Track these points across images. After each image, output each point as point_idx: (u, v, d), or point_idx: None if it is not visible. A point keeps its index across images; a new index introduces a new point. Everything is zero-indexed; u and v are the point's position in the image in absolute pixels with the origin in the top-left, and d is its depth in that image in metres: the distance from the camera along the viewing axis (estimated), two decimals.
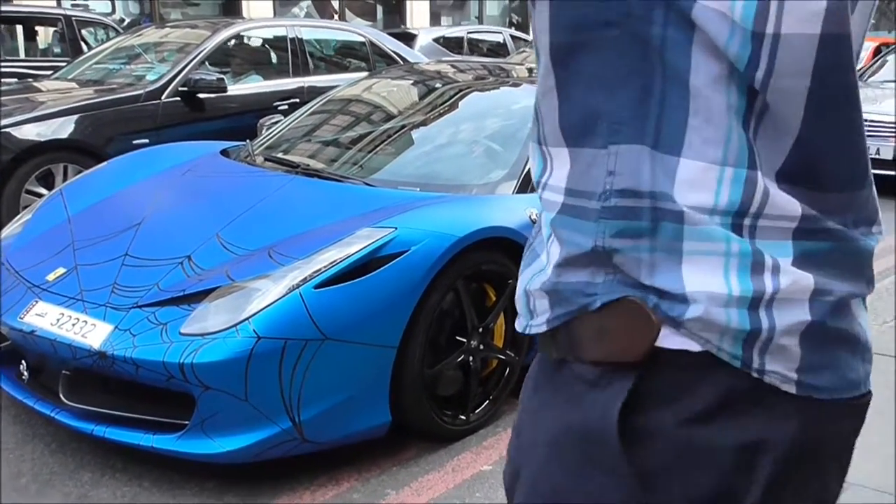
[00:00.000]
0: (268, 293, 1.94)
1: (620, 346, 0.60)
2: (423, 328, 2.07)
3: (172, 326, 1.95)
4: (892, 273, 3.61)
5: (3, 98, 4.09)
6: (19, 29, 7.67)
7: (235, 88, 4.66)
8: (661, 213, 0.58)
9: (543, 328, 0.66)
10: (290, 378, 1.89)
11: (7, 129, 3.78)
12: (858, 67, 0.61)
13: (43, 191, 3.79)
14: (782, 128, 0.57)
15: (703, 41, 0.55)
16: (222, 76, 4.49)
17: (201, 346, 1.87)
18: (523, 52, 9.01)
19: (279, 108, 4.58)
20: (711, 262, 0.58)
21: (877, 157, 5.30)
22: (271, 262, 2.08)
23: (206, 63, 4.56)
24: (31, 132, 3.85)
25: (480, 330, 2.26)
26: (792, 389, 0.58)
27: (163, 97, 4.28)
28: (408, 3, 13.74)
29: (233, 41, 4.91)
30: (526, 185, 2.52)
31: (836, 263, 0.59)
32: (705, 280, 0.57)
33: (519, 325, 0.69)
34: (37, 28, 7.64)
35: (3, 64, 6.29)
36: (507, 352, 2.36)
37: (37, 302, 2.15)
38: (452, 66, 3.70)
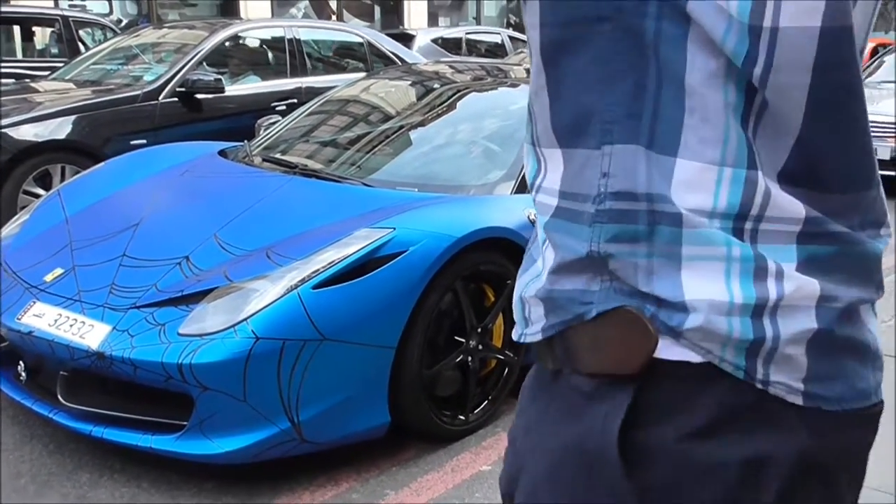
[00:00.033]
0: (266, 294, 1.94)
1: (617, 359, 0.58)
2: (421, 328, 2.07)
3: (171, 327, 1.95)
4: (893, 272, 3.62)
5: (0, 98, 4.09)
6: (16, 29, 7.66)
7: (233, 89, 4.66)
8: (658, 216, 0.55)
9: (538, 337, 0.63)
10: (288, 378, 1.89)
11: (4, 130, 3.78)
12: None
13: (40, 191, 3.79)
14: (783, 126, 0.54)
15: (698, 36, 0.53)
16: (220, 77, 4.49)
17: (199, 346, 1.87)
18: (521, 52, 9.01)
19: (277, 108, 4.58)
20: (712, 268, 0.55)
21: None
22: (269, 262, 2.08)
23: (204, 64, 4.56)
24: (28, 133, 3.85)
25: (479, 330, 2.26)
26: (798, 401, 0.56)
27: (160, 98, 4.28)
28: (405, 4, 13.75)
29: (230, 42, 4.91)
30: (524, 186, 2.52)
31: (842, 268, 0.56)
32: (706, 287, 0.55)
33: (515, 334, 0.67)
34: (34, 28, 7.63)
35: (0, 64, 6.28)
36: (506, 352, 2.36)
37: (34, 302, 2.14)
38: (450, 67, 3.71)
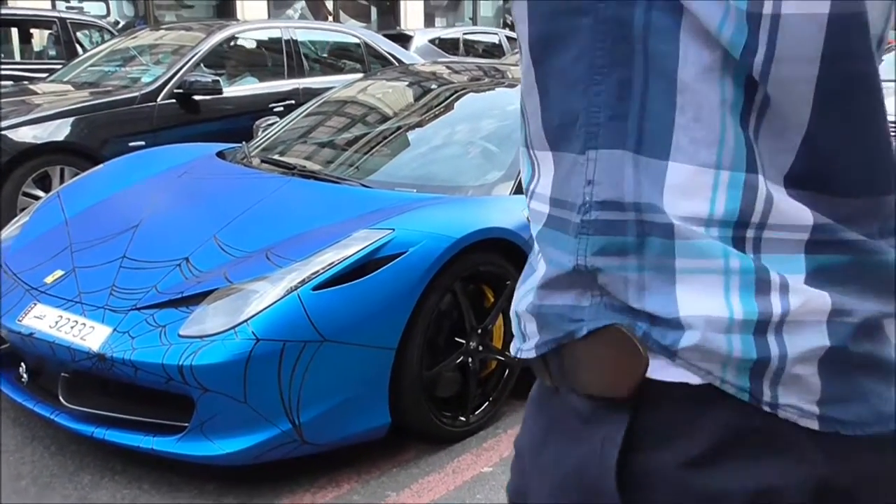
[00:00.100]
0: (266, 295, 1.95)
1: (608, 381, 0.54)
2: (421, 330, 2.08)
3: (171, 328, 1.95)
4: None
5: None
6: (14, 32, 7.65)
7: (231, 90, 4.66)
8: (648, 226, 0.51)
9: (532, 354, 0.60)
10: (289, 380, 1.89)
11: (3, 132, 3.78)
12: None
13: (40, 193, 3.79)
14: (788, 124, 0.49)
15: (692, 26, 0.48)
16: (217, 78, 4.49)
17: (200, 348, 1.87)
18: (517, 52, 9.01)
19: (274, 109, 4.58)
20: (709, 282, 0.51)
21: None
22: (269, 263, 2.08)
23: (202, 65, 4.56)
24: (27, 134, 3.85)
25: (479, 331, 2.27)
26: (814, 425, 0.51)
27: (158, 99, 4.28)
28: (402, 4, 13.75)
29: (228, 43, 4.91)
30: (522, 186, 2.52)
31: (857, 279, 0.51)
32: (702, 302, 0.51)
33: (513, 348, 0.64)
34: (32, 31, 7.62)
35: None
36: (506, 353, 2.36)
37: (35, 304, 2.15)
38: (448, 68, 3.71)
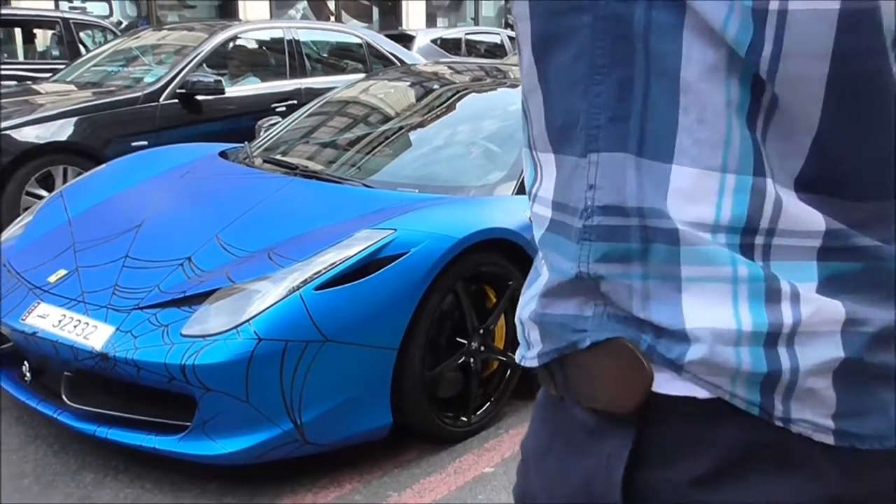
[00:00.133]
0: (268, 295, 1.95)
1: (612, 396, 0.53)
2: (423, 330, 2.08)
3: (173, 328, 1.96)
4: None
5: (2, 101, 4.10)
6: (18, 32, 7.67)
7: (233, 90, 4.67)
8: (652, 232, 0.49)
9: (535, 363, 0.59)
10: (291, 380, 1.90)
11: (6, 132, 3.79)
12: None
13: (43, 192, 3.80)
14: (797, 125, 0.47)
15: (695, 24, 0.46)
16: (220, 78, 4.50)
17: (202, 347, 1.88)
18: (518, 52, 9.00)
19: (277, 109, 4.59)
20: (716, 291, 0.49)
21: None
22: (271, 263, 2.08)
23: (204, 65, 4.57)
24: (30, 134, 3.86)
25: (481, 331, 2.27)
26: (828, 440, 0.49)
27: (161, 99, 4.29)
28: (404, 5, 13.76)
29: (230, 43, 4.91)
30: (525, 187, 2.52)
31: (871, 287, 0.49)
32: (709, 313, 0.49)
33: (517, 355, 0.63)
34: (35, 31, 7.64)
35: (2, 66, 6.29)
36: (508, 353, 2.37)
37: (38, 303, 2.15)
38: (449, 68, 3.72)
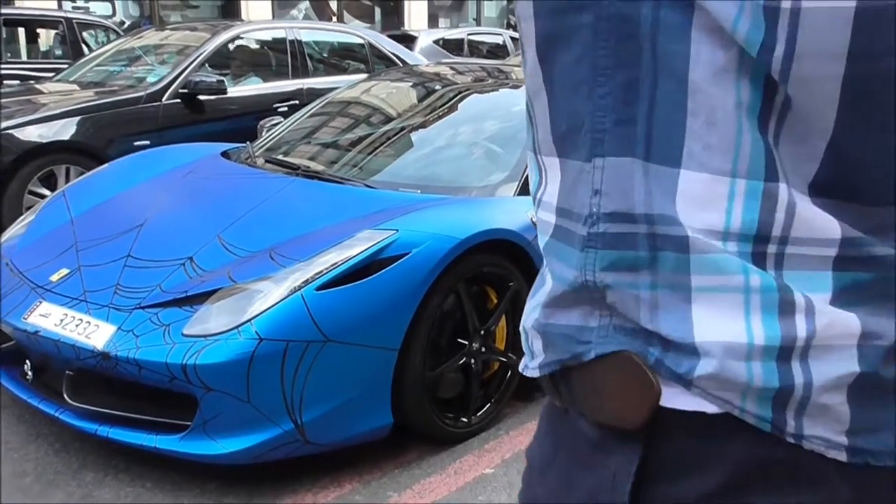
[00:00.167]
0: (269, 295, 1.96)
1: (617, 411, 0.51)
2: (424, 330, 2.08)
3: (175, 328, 1.96)
4: None
5: (5, 100, 4.11)
6: (21, 31, 7.69)
7: (235, 90, 4.68)
8: (661, 239, 0.48)
9: (537, 373, 0.58)
10: (291, 380, 1.90)
11: (9, 131, 3.80)
12: None
13: (45, 192, 3.81)
14: (811, 127, 0.45)
15: (704, 23, 0.45)
16: (222, 78, 4.51)
17: (204, 347, 1.88)
18: (521, 53, 9.00)
19: (279, 109, 4.60)
20: (727, 302, 0.47)
21: None
22: (273, 263, 2.09)
23: (206, 65, 4.58)
24: (33, 134, 3.87)
25: (482, 332, 2.27)
26: (841, 456, 0.47)
27: (163, 99, 4.30)
28: (406, 5, 13.77)
29: (232, 43, 4.92)
30: (527, 188, 2.53)
31: (886, 298, 0.47)
32: (720, 326, 0.47)
33: (521, 364, 0.61)
34: (38, 30, 7.66)
35: (5, 66, 6.30)
36: (509, 354, 2.37)
37: (40, 302, 2.16)
38: (451, 68, 3.72)
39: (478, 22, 15.07)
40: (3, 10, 6.78)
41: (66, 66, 5.52)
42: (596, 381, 0.52)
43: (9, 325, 2.15)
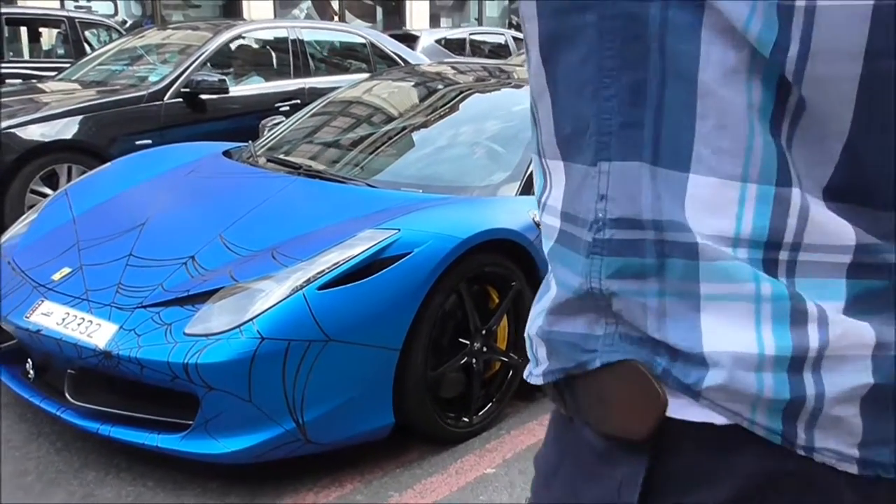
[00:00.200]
0: (271, 294, 1.96)
1: (623, 421, 0.50)
2: (426, 330, 2.08)
3: (177, 327, 1.96)
4: None
5: (7, 99, 4.11)
6: (23, 30, 7.70)
7: (237, 90, 4.68)
8: (669, 246, 0.47)
9: (541, 381, 0.57)
10: (293, 379, 1.90)
11: (12, 130, 3.80)
12: None
13: (47, 191, 3.81)
14: (826, 130, 0.44)
15: (715, 22, 0.43)
16: (224, 77, 4.51)
17: (205, 346, 1.88)
18: (523, 53, 9.00)
19: (280, 109, 4.60)
20: (738, 311, 0.46)
21: None
22: (275, 263, 2.09)
23: (208, 64, 4.58)
24: (35, 132, 3.87)
25: (483, 332, 2.27)
26: (853, 469, 0.46)
27: (165, 98, 4.30)
28: (407, 5, 13.77)
29: (234, 43, 4.92)
30: (529, 188, 2.53)
31: None
32: (730, 335, 0.46)
33: (525, 372, 0.61)
34: (41, 29, 7.68)
35: (7, 65, 6.31)
36: (511, 354, 2.37)
37: (42, 301, 2.16)
38: (453, 68, 3.72)
39: (479, 22, 15.06)
40: (6, 9, 6.79)
41: (68, 65, 5.53)
42: (601, 390, 0.51)
43: (11, 324, 2.15)
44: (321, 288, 1.95)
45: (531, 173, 2.56)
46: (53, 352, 2.07)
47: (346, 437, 2.04)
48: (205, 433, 1.90)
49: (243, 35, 5.05)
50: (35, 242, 2.48)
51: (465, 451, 2.22)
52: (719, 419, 0.47)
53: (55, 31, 7.40)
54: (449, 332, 2.21)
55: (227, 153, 3.05)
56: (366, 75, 4.24)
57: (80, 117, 4.01)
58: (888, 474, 0.46)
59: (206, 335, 1.91)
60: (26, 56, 7.64)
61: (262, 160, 2.91)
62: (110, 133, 4.07)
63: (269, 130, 3.36)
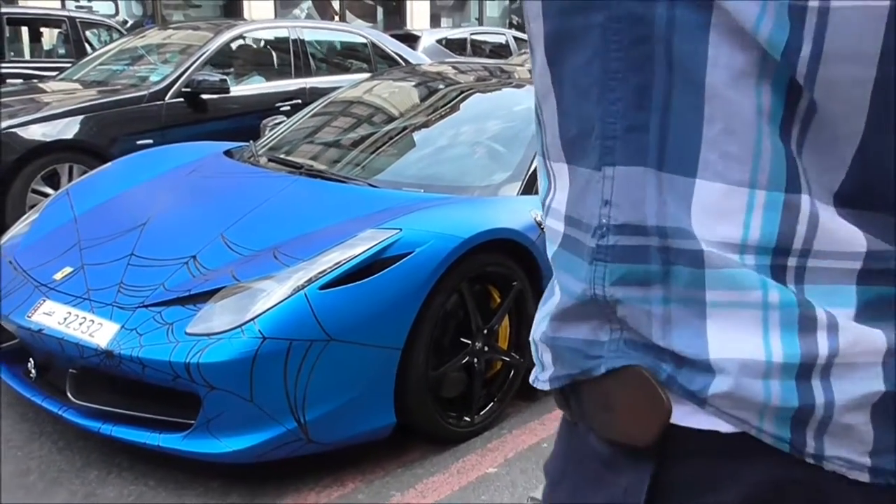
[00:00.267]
0: (273, 294, 1.96)
1: (627, 428, 0.50)
2: (427, 330, 2.08)
3: (178, 326, 1.96)
4: None
5: (9, 99, 4.12)
6: (24, 30, 7.71)
7: (238, 89, 4.68)
8: (674, 253, 0.46)
9: (547, 387, 0.56)
10: (295, 379, 1.90)
11: (13, 130, 3.80)
12: None
13: (49, 190, 3.81)
14: (839, 134, 0.43)
15: (724, 23, 0.42)
16: (225, 77, 4.51)
17: (207, 346, 1.88)
18: (524, 53, 9.01)
19: (281, 108, 4.60)
20: (744, 318, 0.45)
21: None
22: (276, 262, 2.09)
23: (209, 64, 4.58)
24: (36, 132, 3.87)
25: (485, 332, 2.27)
26: (864, 477, 0.45)
27: (166, 98, 4.30)
28: (408, 4, 13.77)
29: (235, 43, 4.93)
30: (530, 187, 2.53)
31: None
32: (737, 342, 0.45)
33: (531, 376, 0.60)
34: (42, 29, 7.68)
35: (8, 65, 6.31)
36: (512, 354, 2.37)
37: (44, 301, 2.16)
38: (454, 68, 3.72)
39: (480, 22, 15.06)
40: (7, 9, 6.80)
41: (69, 64, 5.53)
42: (605, 396, 0.51)
43: (12, 324, 2.15)
44: (323, 287, 1.95)
45: (533, 173, 2.56)
46: (55, 351, 2.07)
47: (348, 436, 2.04)
48: (206, 433, 1.90)
49: (244, 35, 5.05)
50: (37, 242, 2.48)
51: (466, 451, 2.22)
52: (726, 427, 0.47)
53: (56, 30, 7.41)
54: (450, 331, 2.21)
55: (228, 153, 3.05)
56: (367, 75, 4.24)
57: (82, 117, 4.02)
58: None
59: (207, 335, 1.91)
60: (27, 56, 7.65)
61: (263, 160, 2.91)
62: (111, 133, 4.07)
63: (271, 130, 3.36)
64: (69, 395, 2.05)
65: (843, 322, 0.44)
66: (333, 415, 1.97)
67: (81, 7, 9.71)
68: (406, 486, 2.05)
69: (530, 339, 0.60)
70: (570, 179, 0.51)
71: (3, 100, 4.05)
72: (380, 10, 13.92)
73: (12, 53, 7.29)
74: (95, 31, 7.36)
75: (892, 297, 0.45)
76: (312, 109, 3.38)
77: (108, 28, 7.42)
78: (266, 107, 4.55)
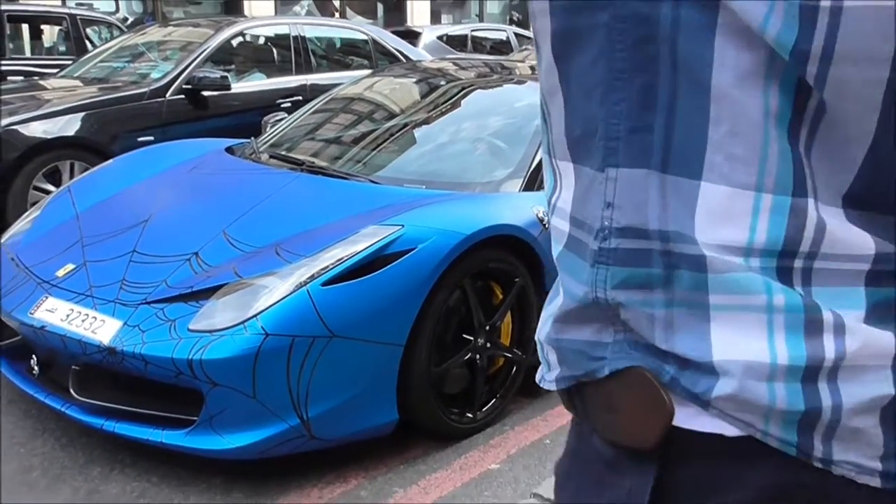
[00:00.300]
0: (275, 290, 1.96)
1: (630, 430, 0.50)
2: (429, 326, 2.08)
3: (181, 323, 1.96)
4: None
5: (10, 96, 4.11)
6: (25, 28, 7.70)
7: (239, 86, 4.68)
8: (676, 258, 0.45)
9: (553, 387, 0.56)
10: (297, 375, 1.90)
11: (14, 127, 3.80)
12: None
13: (50, 187, 3.81)
14: (849, 136, 0.42)
15: (730, 23, 0.41)
16: (226, 74, 4.51)
17: (209, 342, 1.88)
18: (525, 49, 8.99)
19: (282, 105, 4.60)
20: (749, 321, 0.44)
21: None
22: (278, 259, 2.09)
23: (210, 61, 4.58)
24: (37, 130, 3.87)
25: (487, 328, 2.27)
26: (874, 482, 0.45)
27: (167, 95, 4.30)
28: (408, 1, 13.75)
29: (236, 39, 4.92)
30: (532, 183, 2.53)
31: None
32: (741, 344, 0.45)
33: (538, 375, 0.60)
34: (42, 27, 7.67)
35: (9, 62, 6.31)
36: (514, 350, 2.37)
37: (47, 297, 2.16)
38: (455, 64, 3.71)
39: (480, 18, 15.05)
40: (7, 7, 6.79)
41: (69, 62, 5.53)
42: (609, 398, 0.51)
43: (15, 320, 2.16)
44: (325, 284, 1.95)
45: (534, 169, 2.56)
46: (58, 348, 2.08)
47: (351, 433, 2.04)
48: (209, 429, 1.90)
49: (245, 32, 5.05)
50: (39, 239, 2.48)
51: (468, 447, 2.22)
52: (730, 430, 0.46)
53: (57, 28, 7.40)
54: (453, 328, 2.21)
55: (229, 150, 3.05)
56: (367, 72, 4.24)
57: (83, 114, 4.01)
58: None
59: (210, 331, 1.91)
60: (28, 53, 7.64)
61: (264, 156, 2.91)
62: (112, 130, 4.07)
63: (272, 127, 3.36)
64: (72, 391, 2.05)
65: (852, 324, 0.44)
66: (336, 411, 1.97)
67: (82, 4, 9.70)
68: (408, 483, 2.05)
69: (536, 338, 0.59)
70: (576, 179, 0.51)
71: (3, 97, 4.05)
72: (380, 7, 13.90)
73: (12, 48, 7.29)
74: (96, 28, 7.36)
75: None
76: (313, 106, 3.38)
77: (109, 25, 7.41)
78: (267, 103, 4.55)
